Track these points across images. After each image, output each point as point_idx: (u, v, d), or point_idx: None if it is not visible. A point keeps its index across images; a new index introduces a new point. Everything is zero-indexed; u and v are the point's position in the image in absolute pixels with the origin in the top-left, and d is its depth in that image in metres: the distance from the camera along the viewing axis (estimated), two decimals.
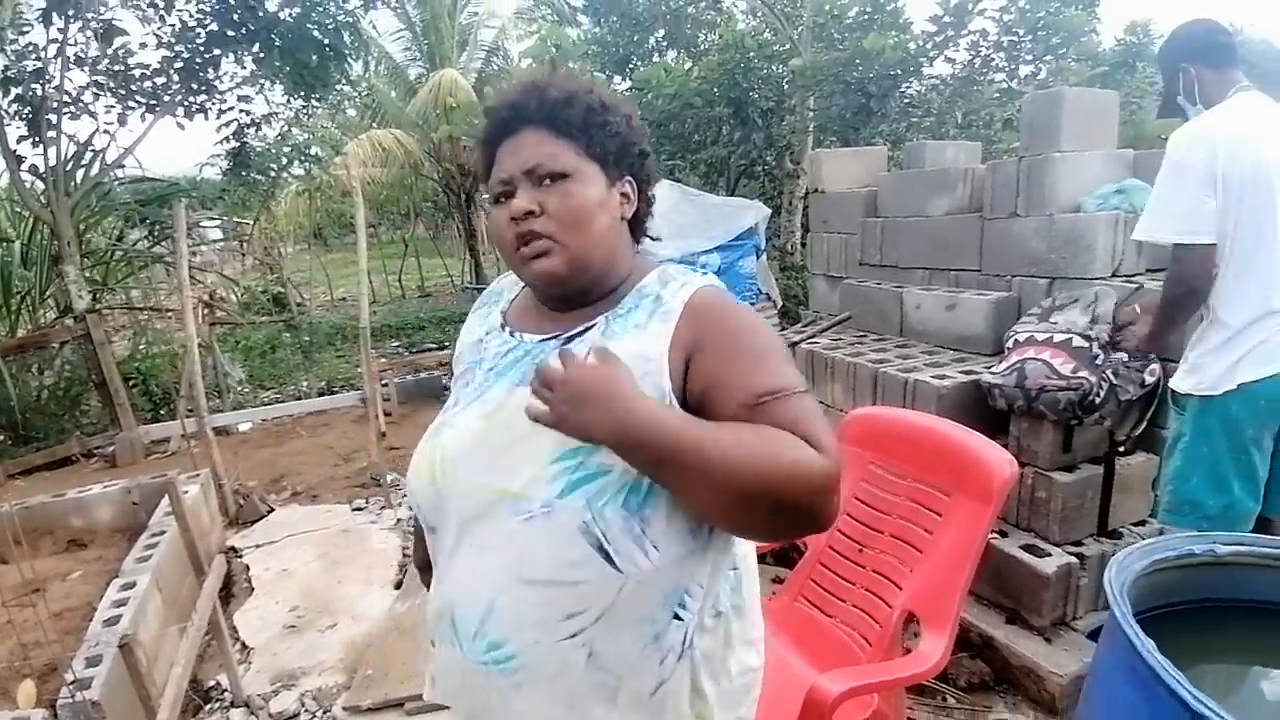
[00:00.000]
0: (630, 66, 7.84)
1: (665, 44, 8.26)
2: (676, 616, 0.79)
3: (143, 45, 5.13)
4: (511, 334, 0.89)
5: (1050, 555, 2.03)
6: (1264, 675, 1.13)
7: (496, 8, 11.84)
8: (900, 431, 1.81)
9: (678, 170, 7.58)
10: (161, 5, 4.95)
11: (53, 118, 4.80)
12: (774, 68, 6.78)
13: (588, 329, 0.84)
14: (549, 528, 0.75)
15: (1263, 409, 1.62)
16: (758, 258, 5.37)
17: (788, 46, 6.79)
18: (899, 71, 5.81)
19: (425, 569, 0.98)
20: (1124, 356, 1.97)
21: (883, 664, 1.51)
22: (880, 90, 5.58)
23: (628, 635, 0.78)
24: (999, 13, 5.92)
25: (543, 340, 0.86)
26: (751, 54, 6.50)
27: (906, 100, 6.43)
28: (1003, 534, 2.18)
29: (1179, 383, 1.74)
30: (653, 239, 0.96)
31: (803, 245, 7.35)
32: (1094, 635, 2.01)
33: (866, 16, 6.09)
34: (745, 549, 0.91)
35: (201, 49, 5.09)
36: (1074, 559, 2.01)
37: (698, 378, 0.77)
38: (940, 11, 5.80)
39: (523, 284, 0.95)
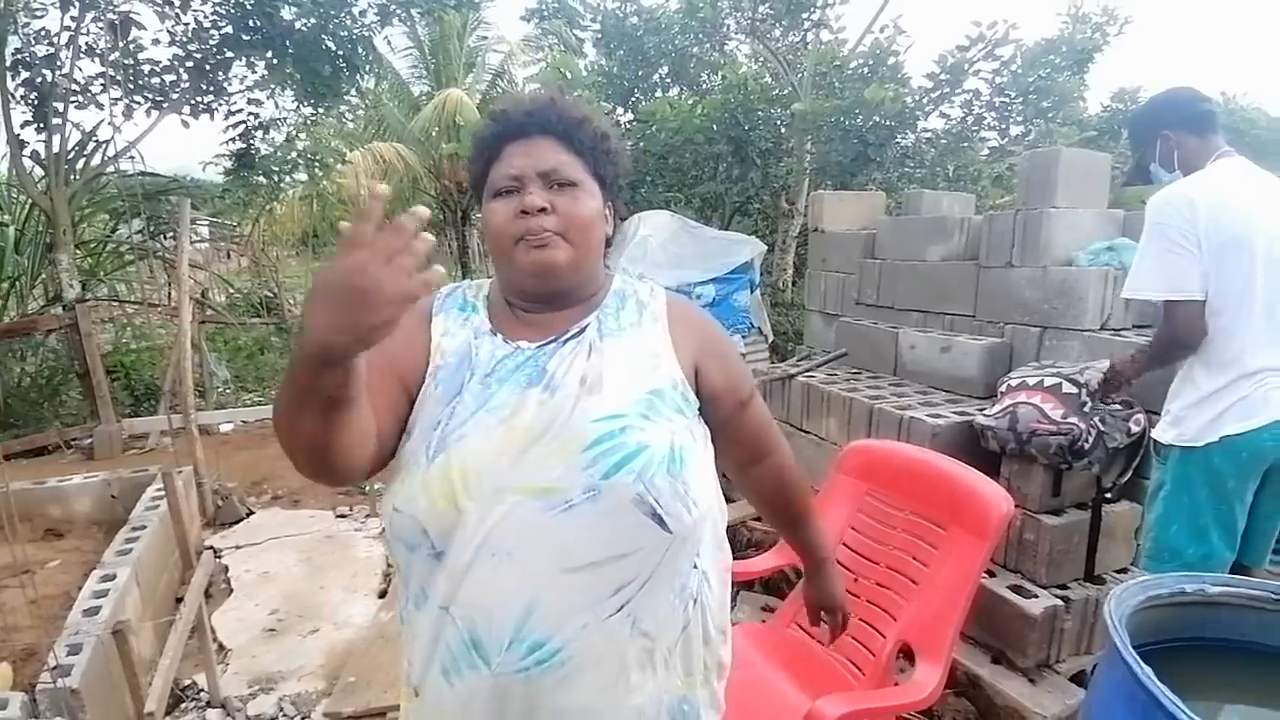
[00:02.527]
0: (633, 99, 8.03)
1: (669, 80, 8.47)
2: (694, 565, 0.88)
3: (155, 41, 5.17)
4: (505, 341, 0.88)
5: (1037, 597, 2.07)
6: (1251, 715, 1.17)
7: (505, 33, 11.99)
8: (898, 464, 1.86)
9: (674, 203, 7.70)
10: (178, 3, 5.00)
11: (60, 105, 4.79)
12: (774, 110, 6.98)
13: (583, 329, 0.89)
14: (596, 510, 0.78)
15: (1244, 461, 1.67)
16: (751, 292, 5.46)
17: (788, 91, 7.01)
18: (895, 123, 6.01)
19: None
20: (1112, 405, 2.04)
21: (879, 690, 1.53)
22: (878, 139, 5.77)
23: (663, 593, 0.84)
24: (992, 74, 6.18)
25: (541, 345, 0.87)
26: (753, 96, 6.69)
27: (901, 150, 6.64)
28: (990, 574, 2.22)
29: (1162, 433, 1.78)
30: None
31: (794, 283, 7.49)
32: (1077, 679, 2.06)
33: (868, 69, 6.31)
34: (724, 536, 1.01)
35: (214, 50, 5.14)
36: (1060, 602, 2.06)
37: (706, 385, 0.92)
38: (937, 69, 6.04)
39: (485, 292, 0.95)
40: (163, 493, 2.90)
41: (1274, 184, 1.76)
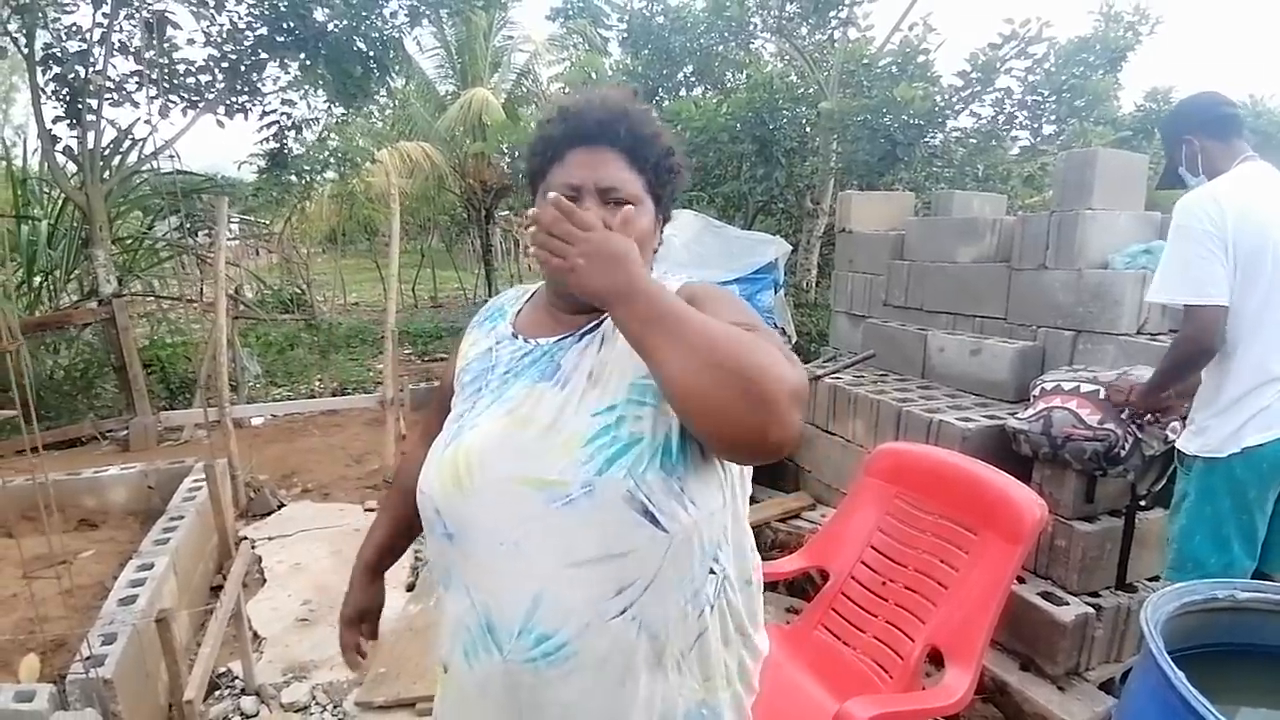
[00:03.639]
0: (658, 98, 8.03)
1: (694, 79, 8.46)
2: (711, 571, 0.85)
3: (190, 41, 5.27)
4: (525, 341, 0.92)
5: (1068, 604, 2.05)
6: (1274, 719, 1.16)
7: (530, 32, 12.06)
8: (929, 468, 1.85)
9: (697, 202, 7.69)
10: (213, 4, 5.10)
11: (93, 102, 4.87)
12: (799, 109, 6.93)
13: (599, 324, 0.89)
14: (593, 505, 0.78)
15: (1266, 472, 1.66)
16: (776, 292, 5.43)
17: (814, 89, 6.96)
18: (924, 122, 5.94)
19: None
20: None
21: (909, 694, 1.53)
22: (906, 139, 5.70)
23: (672, 597, 0.82)
24: (1025, 73, 6.07)
25: (558, 340, 0.89)
26: (779, 95, 6.65)
27: (930, 150, 6.56)
28: (1020, 580, 2.19)
29: (1185, 444, 1.77)
30: None
31: (818, 284, 7.44)
32: (1106, 686, 2.04)
33: (896, 67, 6.25)
34: (754, 544, 0.98)
35: (249, 51, 5.24)
36: (1091, 609, 2.03)
37: None
38: (968, 67, 5.96)
39: (527, 297, 1.01)
40: (200, 484, 2.97)
41: None
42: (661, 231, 0.96)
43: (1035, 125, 6.46)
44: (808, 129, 7.03)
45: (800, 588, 2.51)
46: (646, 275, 0.72)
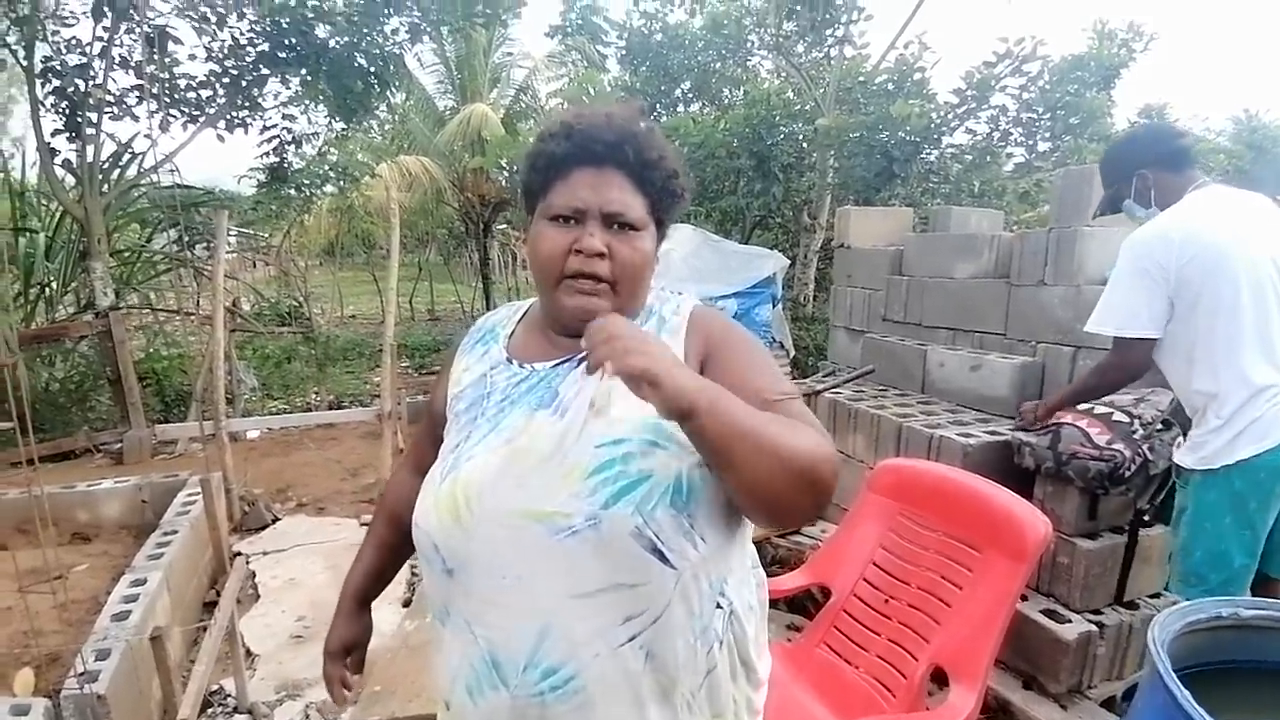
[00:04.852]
0: (655, 114, 8.09)
1: (691, 96, 8.55)
2: (718, 605, 0.83)
3: (192, 56, 5.29)
4: (521, 366, 0.89)
5: (1071, 621, 2.03)
6: None
7: (530, 49, 12.17)
8: (931, 484, 1.83)
9: (695, 216, 7.74)
10: (214, 20, 5.13)
11: (93, 116, 4.86)
12: (796, 125, 7.00)
13: None
14: (599, 539, 0.76)
15: (1263, 481, 1.68)
16: (774, 307, 5.45)
17: (810, 106, 7.02)
18: (920, 139, 6.00)
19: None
20: (1159, 429, 2.01)
21: (912, 714, 1.51)
22: (903, 155, 5.76)
23: (680, 632, 0.80)
24: (1019, 90, 6.14)
25: (555, 365, 0.87)
26: (776, 111, 6.72)
27: (926, 166, 6.62)
28: (1023, 597, 2.18)
29: (1183, 458, 1.79)
30: None
31: (815, 298, 7.46)
32: (1108, 704, 2.02)
33: (893, 84, 6.31)
34: (756, 559, 0.96)
35: (250, 67, 5.26)
36: (1094, 627, 2.02)
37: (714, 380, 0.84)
38: (964, 85, 6.03)
39: (519, 316, 0.98)
40: (194, 498, 2.94)
41: (1256, 203, 1.79)
42: (658, 250, 0.93)
43: (1030, 142, 6.54)
44: (804, 145, 7.09)
45: (801, 605, 2.49)
46: (716, 390, 0.69)
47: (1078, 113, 6.07)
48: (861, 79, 6.74)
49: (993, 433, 2.38)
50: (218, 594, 2.72)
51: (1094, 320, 1.81)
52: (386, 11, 5.23)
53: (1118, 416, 2.05)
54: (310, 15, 5.02)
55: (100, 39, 4.81)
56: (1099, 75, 6.17)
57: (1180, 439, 2.04)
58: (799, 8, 6.76)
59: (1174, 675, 1.02)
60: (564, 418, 0.82)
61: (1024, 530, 1.56)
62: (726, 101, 8.40)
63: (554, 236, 0.84)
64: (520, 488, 0.79)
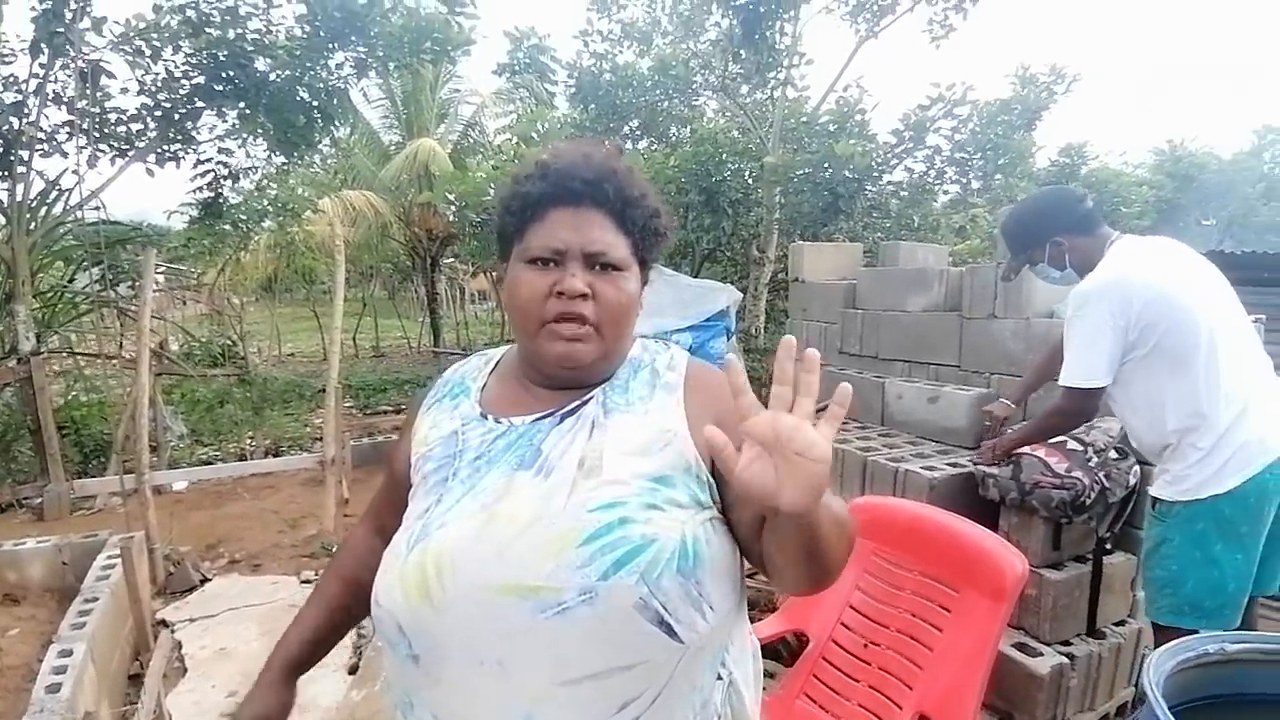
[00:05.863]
0: None
1: (639, 133, 8.68)
2: (719, 676, 0.79)
3: (124, 90, 5.07)
4: (497, 421, 0.82)
5: (1042, 655, 2.03)
6: None
7: (478, 86, 12.19)
8: (905, 523, 1.81)
9: None
10: (149, 53, 4.93)
11: (24, 154, 4.64)
12: (743, 163, 7.16)
13: (584, 402, 0.81)
14: (595, 615, 0.68)
15: (1253, 505, 1.69)
16: (728, 339, 5.47)
17: (756, 144, 7.21)
18: (863, 176, 6.22)
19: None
20: (1113, 457, 2.05)
21: None
22: (848, 191, 5.94)
23: (679, 708, 0.74)
24: (952, 132, 6.46)
25: (536, 420, 0.81)
26: (723, 149, 6.87)
27: (869, 202, 6.85)
28: None
29: (1162, 490, 1.78)
30: None
31: (766, 329, 7.56)
32: None
33: (835, 124, 6.55)
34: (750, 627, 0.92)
35: (184, 100, 5.06)
36: (1065, 659, 2.01)
37: None
38: (901, 126, 6.31)
39: (491, 368, 0.92)
40: (114, 560, 2.70)
41: (1167, 244, 1.87)
42: (642, 293, 0.88)
43: (964, 180, 6.85)
44: (751, 181, 7.25)
45: (775, 651, 2.42)
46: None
47: (1006, 153, 6.40)
48: (805, 119, 6.97)
49: (954, 464, 2.39)
50: (142, 667, 2.47)
51: (1063, 376, 1.84)
52: (331, 46, 5.12)
53: (1072, 445, 2.09)
54: (250, 48, 4.87)
55: (36, 75, 4.59)
56: (1023, 117, 6.54)
57: (1136, 467, 2.09)
58: (743, 51, 6.98)
59: (1170, 716, 1.01)
60: (549, 478, 0.75)
61: (1002, 568, 1.55)
62: (674, 139, 8.55)
63: (533, 280, 0.78)
64: (500, 559, 0.71)
